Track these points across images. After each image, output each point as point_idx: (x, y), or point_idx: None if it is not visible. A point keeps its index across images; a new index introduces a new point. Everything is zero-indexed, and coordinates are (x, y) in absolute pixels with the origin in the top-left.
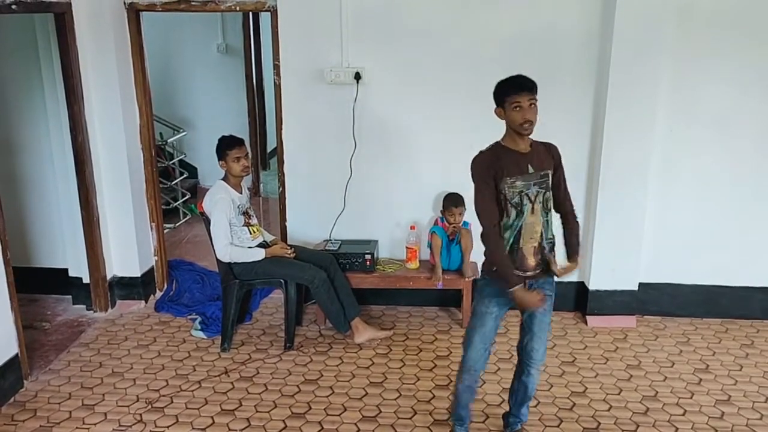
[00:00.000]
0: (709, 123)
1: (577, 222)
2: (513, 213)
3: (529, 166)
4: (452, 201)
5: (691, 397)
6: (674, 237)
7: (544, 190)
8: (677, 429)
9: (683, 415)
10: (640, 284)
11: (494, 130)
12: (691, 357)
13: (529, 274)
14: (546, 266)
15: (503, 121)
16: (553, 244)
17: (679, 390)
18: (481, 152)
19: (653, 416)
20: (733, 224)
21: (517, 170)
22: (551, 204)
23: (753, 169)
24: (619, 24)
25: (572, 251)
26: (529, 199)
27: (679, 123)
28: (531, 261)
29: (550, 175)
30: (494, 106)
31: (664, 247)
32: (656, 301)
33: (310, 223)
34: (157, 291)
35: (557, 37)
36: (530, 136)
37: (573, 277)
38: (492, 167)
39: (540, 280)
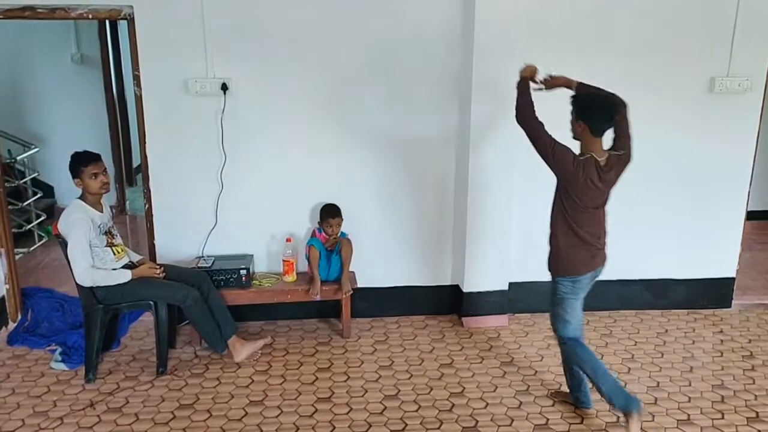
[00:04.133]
0: (562, 125)
1: None
2: None
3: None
4: (329, 212)
5: (559, 388)
6: (537, 237)
7: None
8: (548, 420)
9: (552, 406)
10: (510, 284)
11: (362, 135)
12: (557, 350)
13: None
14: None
15: (369, 129)
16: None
17: (549, 382)
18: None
19: (526, 409)
20: None
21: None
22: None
23: None
24: (478, 29)
25: None
26: None
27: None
28: None
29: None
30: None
31: (529, 247)
32: (525, 298)
33: (180, 240)
34: (10, 322)
35: (421, 45)
36: None
37: (447, 280)
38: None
39: None
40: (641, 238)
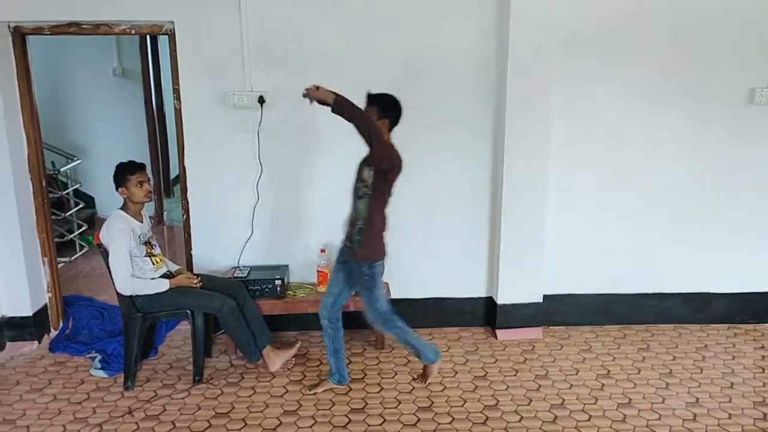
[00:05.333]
0: (596, 139)
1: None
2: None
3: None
4: None
5: (595, 403)
6: (572, 250)
7: (357, 180)
8: None
9: (588, 420)
10: (545, 296)
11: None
12: (593, 363)
13: (343, 242)
14: (352, 246)
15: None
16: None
17: (584, 396)
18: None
19: (561, 423)
20: (623, 236)
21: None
22: (362, 193)
23: (637, 182)
24: (512, 48)
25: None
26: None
27: (570, 140)
28: (347, 232)
29: (366, 170)
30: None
31: (564, 259)
32: (560, 311)
33: (217, 251)
34: (52, 330)
35: (455, 61)
36: None
37: (481, 292)
38: None
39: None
40: (680, 250)
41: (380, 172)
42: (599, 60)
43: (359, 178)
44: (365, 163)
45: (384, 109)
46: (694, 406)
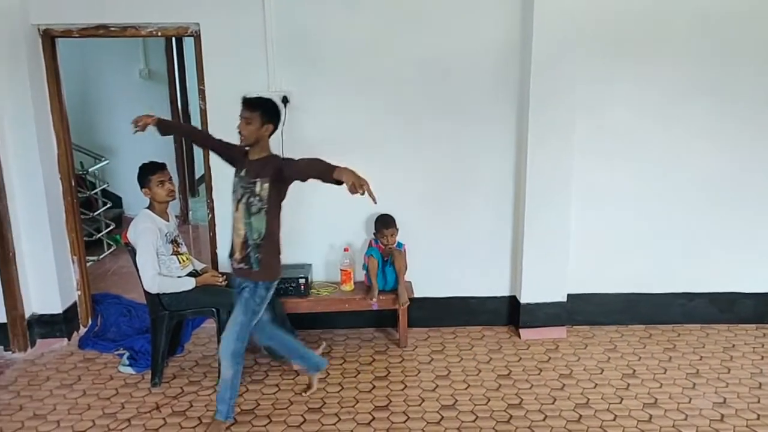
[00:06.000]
0: (620, 136)
1: (314, 159)
2: (232, 204)
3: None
4: (383, 223)
5: (620, 402)
6: (596, 249)
7: (249, 195)
8: None
9: (614, 420)
10: (568, 295)
11: (419, 147)
12: (618, 363)
13: (235, 265)
14: (249, 267)
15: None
16: (258, 246)
17: (609, 396)
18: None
19: (586, 423)
20: (648, 234)
21: (240, 167)
22: (256, 209)
23: (663, 180)
24: (536, 45)
25: (325, 173)
26: (237, 197)
27: (593, 138)
28: (237, 254)
29: (260, 184)
30: (418, 125)
31: (588, 258)
32: (584, 310)
33: None
34: (81, 327)
35: (478, 57)
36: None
37: (504, 291)
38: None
39: (243, 279)
40: (707, 249)
41: (280, 184)
42: (621, 56)
43: (249, 192)
44: (254, 176)
45: (269, 114)
46: (721, 407)
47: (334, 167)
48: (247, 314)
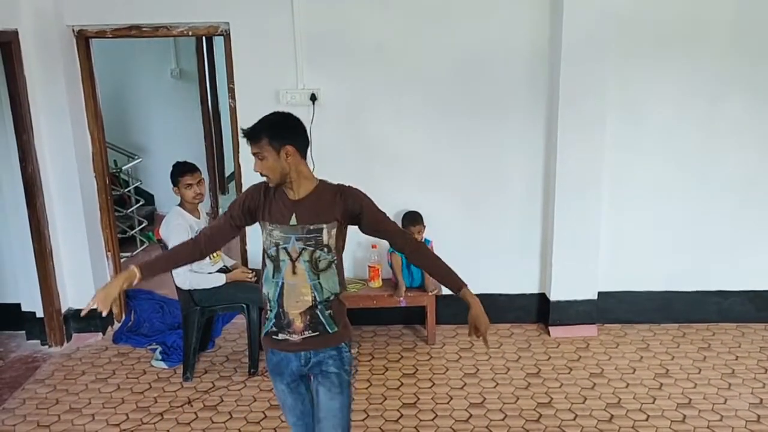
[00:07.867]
0: (655, 133)
1: (425, 247)
2: (270, 266)
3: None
4: (410, 220)
5: (653, 402)
6: (629, 246)
7: (312, 248)
8: None
9: (646, 420)
10: (599, 293)
11: (447, 145)
12: (651, 362)
13: (295, 338)
14: (323, 331)
15: (455, 138)
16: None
17: (642, 395)
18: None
19: (617, 423)
20: (683, 231)
21: (275, 216)
22: (326, 263)
23: (698, 178)
24: (566, 40)
25: (449, 280)
26: (289, 255)
27: (627, 134)
28: (298, 323)
29: (326, 230)
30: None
31: (620, 255)
32: (615, 309)
33: None
34: (115, 322)
35: (508, 55)
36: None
37: (534, 288)
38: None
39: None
40: (742, 247)
41: (345, 228)
42: (656, 52)
43: (314, 245)
44: (313, 220)
45: (279, 134)
46: (758, 408)
47: (464, 283)
48: (345, 391)
